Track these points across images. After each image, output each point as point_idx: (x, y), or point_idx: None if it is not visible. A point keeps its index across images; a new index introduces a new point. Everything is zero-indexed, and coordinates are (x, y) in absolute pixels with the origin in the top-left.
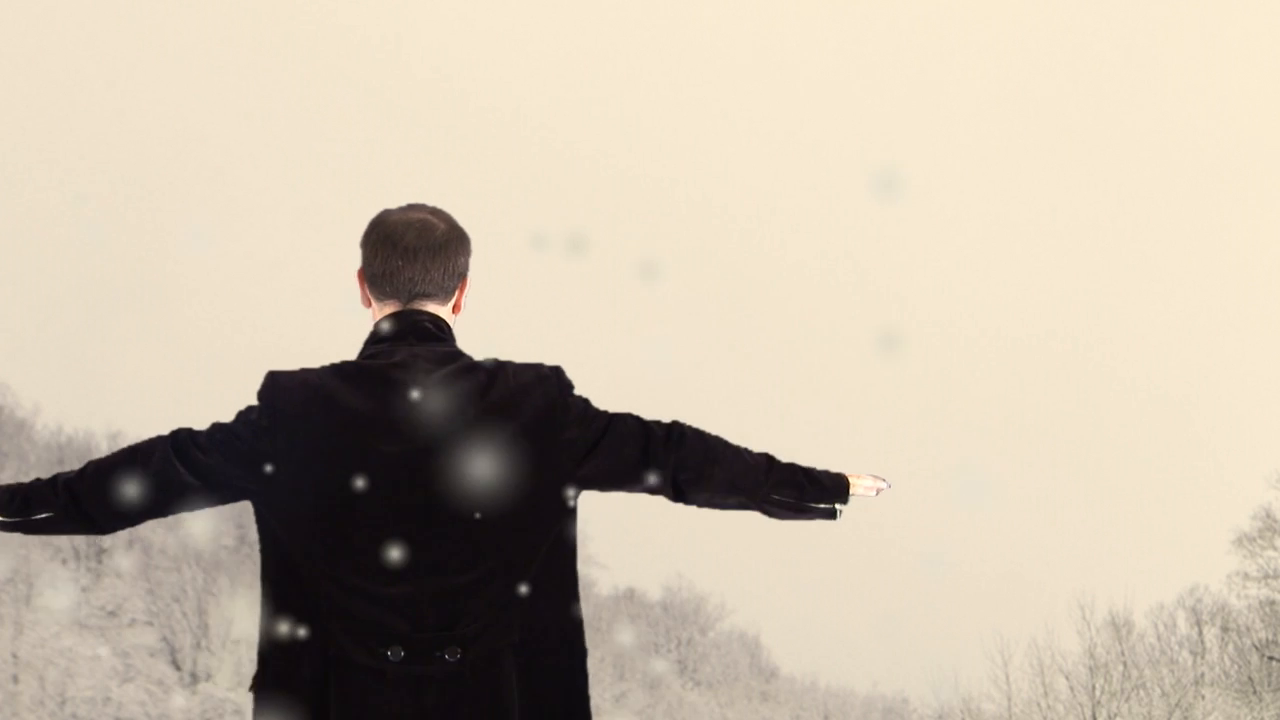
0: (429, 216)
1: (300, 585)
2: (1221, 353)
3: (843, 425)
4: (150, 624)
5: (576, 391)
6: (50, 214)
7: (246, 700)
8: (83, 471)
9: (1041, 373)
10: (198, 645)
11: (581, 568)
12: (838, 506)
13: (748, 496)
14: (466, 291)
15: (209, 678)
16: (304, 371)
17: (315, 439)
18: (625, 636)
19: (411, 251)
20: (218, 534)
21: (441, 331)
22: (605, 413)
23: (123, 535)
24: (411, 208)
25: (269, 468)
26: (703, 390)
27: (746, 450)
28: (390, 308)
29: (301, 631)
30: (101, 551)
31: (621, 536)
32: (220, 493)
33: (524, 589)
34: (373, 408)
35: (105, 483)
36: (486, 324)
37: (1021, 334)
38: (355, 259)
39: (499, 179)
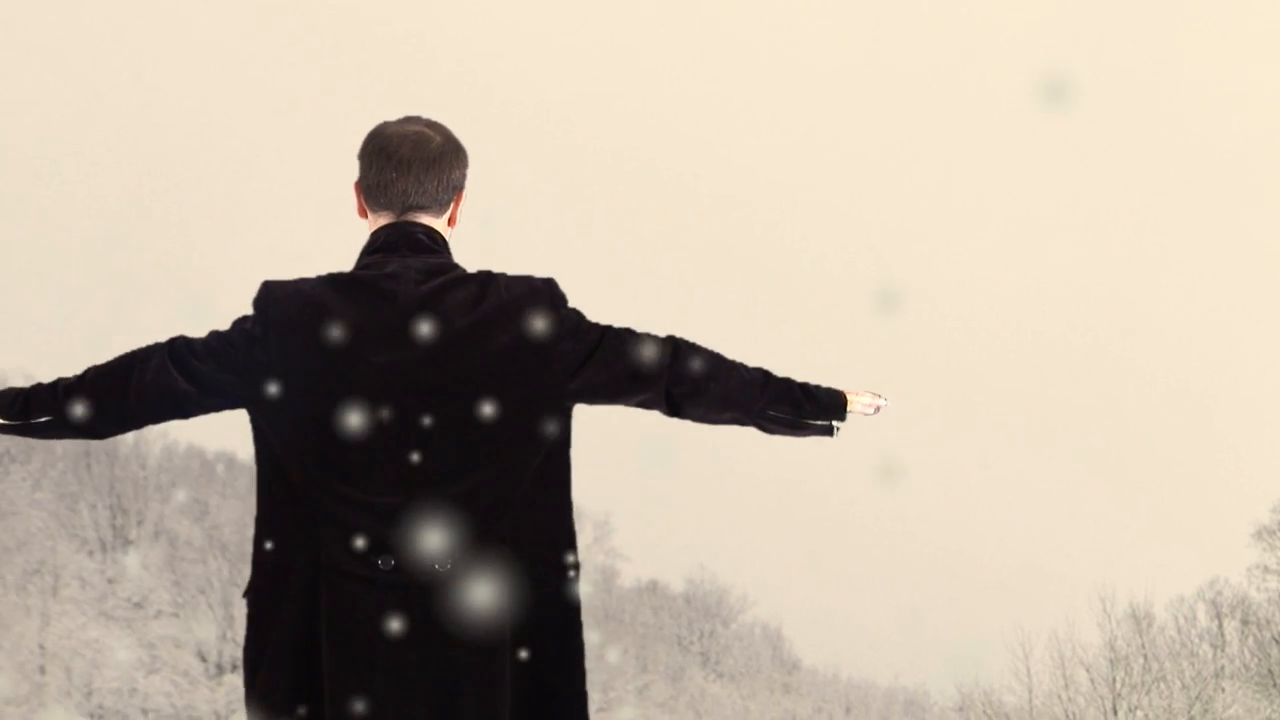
0: (425, 129)
1: (293, 493)
2: (1241, 346)
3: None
4: (176, 615)
5: (571, 304)
6: (76, 206)
7: None
8: (82, 377)
9: (1061, 366)
10: (223, 637)
11: (604, 559)
12: (835, 424)
13: (743, 412)
14: (462, 205)
15: (235, 669)
16: (299, 281)
17: (307, 349)
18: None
19: (406, 163)
20: (243, 525)
21: (435, 243)
22: (599, 325)
23: (149, 527)
24: (408, 120)
25: (261, 376)
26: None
27: (743, 365)
28: (384, 219)
29: (294, 540)
30: (128, 543)
31: (644, 529)
32: (215, 400)
33: (518, 502)
34: (363, 318)
35: (104, 388)
36: None
37: (1041, 327)
38: None
39: (523, 173)
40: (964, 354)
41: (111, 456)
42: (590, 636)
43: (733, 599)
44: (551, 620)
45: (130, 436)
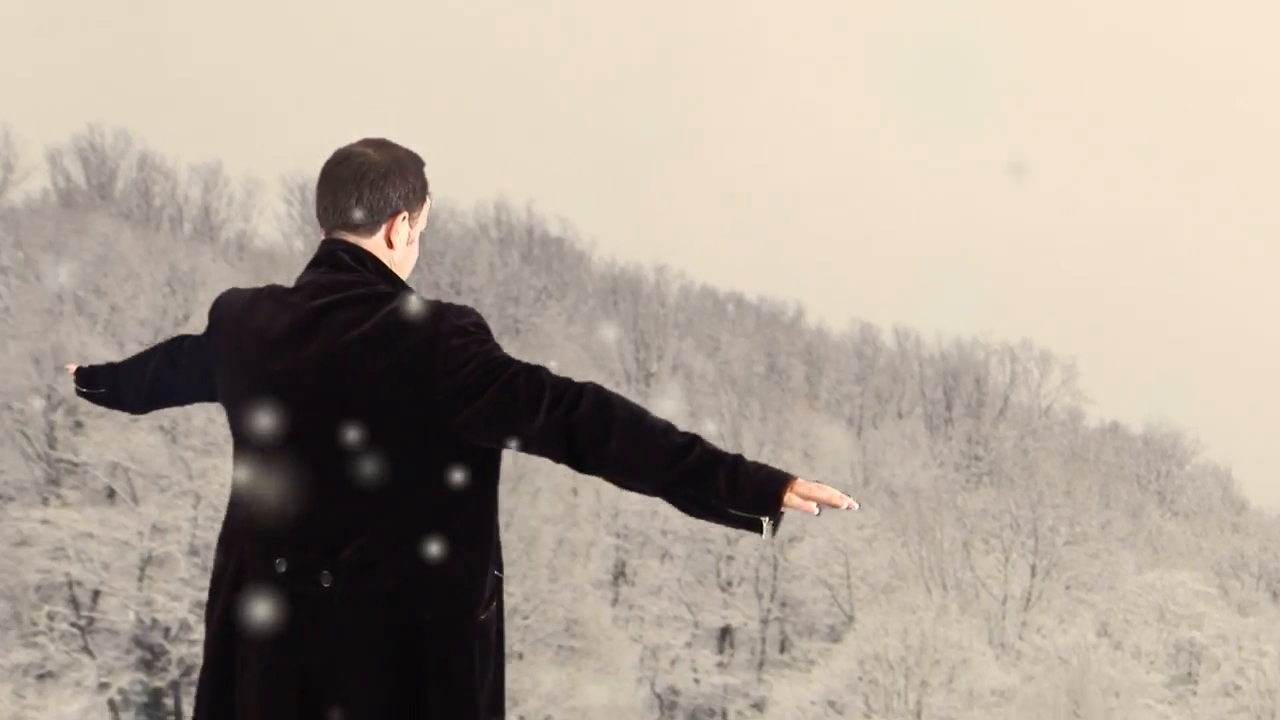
0: (366, 149)
1: (237, 484)
2: None
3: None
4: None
5: (478, 337)
6: (607, 77)
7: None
8: (126, 360)
9: None
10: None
11: (1071, 401)
12: (764, 520)
13: (648, 483)
14: (406, 226)
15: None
16: (245, 290)
17: (232, 353)
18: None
19: (329, 181)
20: (749, 361)
21: (358, 262)
22: (499, 362)
23: (667, 361)
24: (361, 142)
25: (213, 375)
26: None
27: (666, 430)
28: (322, 235)
29: (234, 531)
30: (649, 376)
31: (1108, 373)
32: (202, 391)
33: (416, 537)
34: (266, 328)
35: (132, 372)
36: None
37: None
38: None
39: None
40: None
41: (635, 294)
42: (1058, 472)
43: (1187, 441)
44: (439, 659)
45: (652, 276)
